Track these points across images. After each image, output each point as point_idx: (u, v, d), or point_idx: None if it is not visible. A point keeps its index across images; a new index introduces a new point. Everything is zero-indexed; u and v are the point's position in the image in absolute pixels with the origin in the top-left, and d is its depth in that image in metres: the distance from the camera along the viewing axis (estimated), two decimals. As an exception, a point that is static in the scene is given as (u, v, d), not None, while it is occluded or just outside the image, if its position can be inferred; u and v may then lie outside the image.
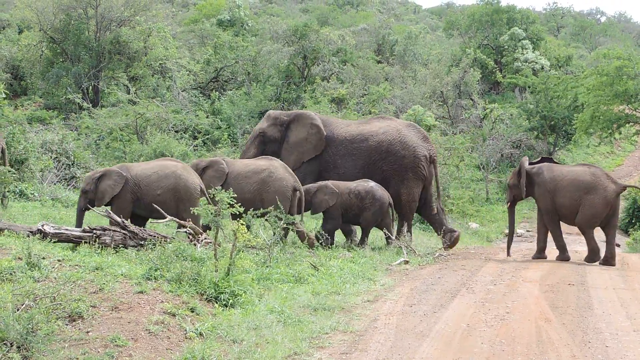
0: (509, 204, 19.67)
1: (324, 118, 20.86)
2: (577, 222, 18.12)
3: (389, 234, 18.94)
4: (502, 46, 52.20)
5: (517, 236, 28.57)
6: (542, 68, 48.24)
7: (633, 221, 28.32)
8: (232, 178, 17.52)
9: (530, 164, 19.06)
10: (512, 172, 19.63)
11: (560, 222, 18.59)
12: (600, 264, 17.87)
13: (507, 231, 29.42)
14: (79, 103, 33.17)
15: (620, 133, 32.34)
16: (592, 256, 18.02)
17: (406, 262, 17.17)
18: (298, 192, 17.85)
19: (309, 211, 18.81)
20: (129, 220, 15.22)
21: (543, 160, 19.37)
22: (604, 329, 11.02)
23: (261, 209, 15.84)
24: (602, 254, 18.10)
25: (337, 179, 19.20)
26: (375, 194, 18.33)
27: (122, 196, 16.38)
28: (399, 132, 19.70)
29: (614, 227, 18.20)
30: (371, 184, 18.62)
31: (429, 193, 20.31)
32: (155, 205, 15.92)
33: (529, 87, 41.29)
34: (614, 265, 17.67)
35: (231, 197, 13.08)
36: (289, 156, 19.77)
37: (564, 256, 18.32)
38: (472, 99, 43.44)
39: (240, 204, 13.34)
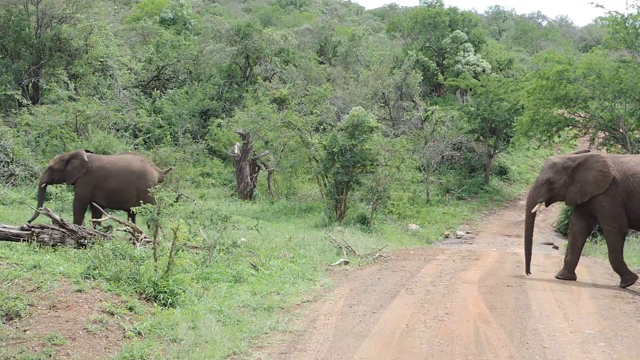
0: (43, 184, 20.21)
1: None
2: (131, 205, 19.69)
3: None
4: (444, 48, 52.64)
5: (457, 237, 28.84)
6: (484, 71, 48.69)
7: (571, 223, 28.54)
8: None
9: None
10: (57, 157, 20.30)
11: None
12: None
13: (447, 232, 29.72)
14: (18, 100, 32.79)
15: (559, 136, 32.70)
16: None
17: (346, 263, 17.24)
18: None
19: None
20: None
21: (87, 151, 20.38)
22: (541, 330, 11.13)
23: None
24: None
25: None
26: None
27: None
28: None
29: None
30: None
31: None
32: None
33: (470, 89, 41.61)
34: None
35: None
36: None
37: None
38: (413, 101, 43.69)
39: None
